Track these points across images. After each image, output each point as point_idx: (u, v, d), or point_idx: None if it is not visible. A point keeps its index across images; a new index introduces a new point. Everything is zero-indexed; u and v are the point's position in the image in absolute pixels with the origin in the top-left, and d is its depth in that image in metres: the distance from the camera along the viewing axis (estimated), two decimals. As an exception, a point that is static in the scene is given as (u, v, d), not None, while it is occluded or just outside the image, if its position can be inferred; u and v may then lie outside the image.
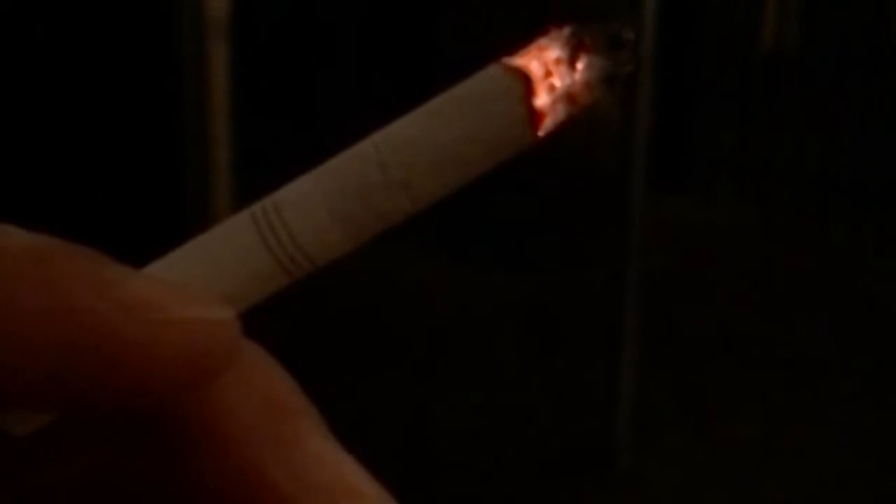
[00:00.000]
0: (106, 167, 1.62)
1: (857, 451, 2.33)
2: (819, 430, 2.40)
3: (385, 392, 2.51)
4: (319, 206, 0.22)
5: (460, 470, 2.25)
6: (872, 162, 3.86)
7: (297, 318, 2.44)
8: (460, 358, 2.68)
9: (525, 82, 0.21)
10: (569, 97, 0.21)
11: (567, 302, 2.92)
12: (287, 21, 3.98)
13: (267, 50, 3.67)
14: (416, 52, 3.60)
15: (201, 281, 0.22)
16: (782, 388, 2.57)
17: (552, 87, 0.20)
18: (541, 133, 0.21)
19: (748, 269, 3.25)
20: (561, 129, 0.21)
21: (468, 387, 2.55)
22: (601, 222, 2.79)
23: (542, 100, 0.21)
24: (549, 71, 0.20)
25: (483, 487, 2.23)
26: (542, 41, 0.21)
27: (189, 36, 1.43)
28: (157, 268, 0.22)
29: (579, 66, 0.20)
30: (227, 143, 1.40)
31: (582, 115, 0.21)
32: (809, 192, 3.76)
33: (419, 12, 3.60)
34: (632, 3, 2.18)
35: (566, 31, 0.21)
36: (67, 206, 1.60)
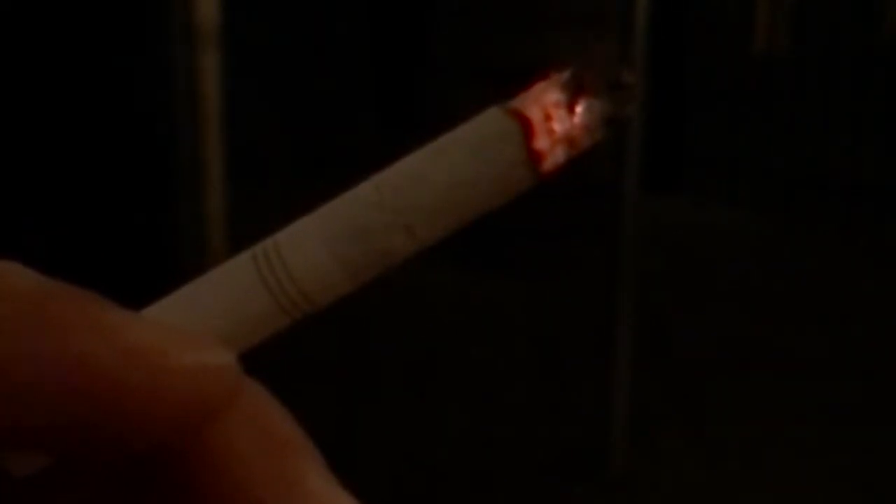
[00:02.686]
0: (97, 178, 1.61)
1: (852, 454, 2.33)
2: (814, 433, 2.40)
3: (377, 397, 2.51)
4: (320, 247, 0.22)
5: (455, 473, 2.25)
6: (865, 163, 3.86)
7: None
8: (453, 362, 2.68)
9: (524, 126, 0.21)
10: (568, 140, 0.21)
11: (561, 305, 2.93)
12: (279, 29, 3.98)
13: (259, 58, 3.66)
14: (411, 60, 3.60)
15: (202, 323, 0.22)
16: (776, 392, 2.57)
17: (551, 131, 0.21)
18: (540, 176, 0.21)
19: (741, 271, 3.26)
20: (560, 171, 0.21)
21: (462, 390, 2.55)
22: (594, 225, 2.79)
23: (541, 143, 0.21)
24: (549, 114, 0.21)
25: (477, 491, 2.23)
26: (542, 85, 0.21)
27: (179, 45, 1.43)
28: (157, 309, 0.22)
29: (578, 109, 0.21)
30: (219, 153, 1.40)
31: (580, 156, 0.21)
32: (803, 194, 3.77)
33: (414, 19, 3.60)
34: (624, 5, 2.18)
35: (565, 74, 0.21)
36: (56, 216, 1.59)
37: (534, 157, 0.21)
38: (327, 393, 2.48)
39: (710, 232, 3.55)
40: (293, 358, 2.10)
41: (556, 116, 0.21)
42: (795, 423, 2.44)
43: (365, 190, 0.22)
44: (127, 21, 1.61)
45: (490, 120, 0.21)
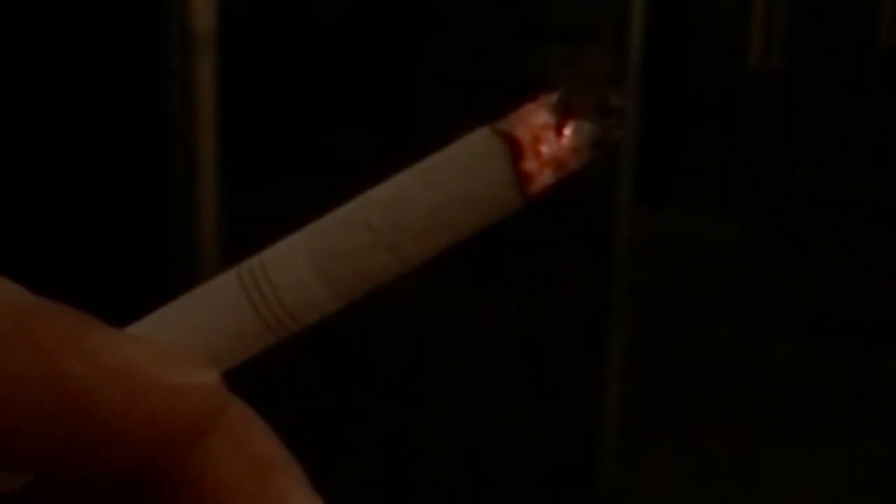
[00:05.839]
0: (89, 186, 1.61)
1: (842, 467, 2.33)
2: (803, 446, 2.40)
3: (365, 408, 2.51)
4: (306, 266, 0.22)
5: (444, 488, 2.25)
6: (858, 178, 3.87)
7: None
8: (444, 375, 2.67)
9: (513, 148, 0.21)
10: (556, 162, 0.21)
11: (552, 318, 2.93)
12: (275, 34, 3.98)
13: (255, 63, 3.66)
14: (409, 70, 3.60)
15: (187, 340, 0.22)
16: (767, 405, 2.57)
17: (539, 153, 0.21)
18: (527, 197, 0.21)
19: (733, 284, 3.26)
20: (548, 192, 0.21)
21: (452, 404, 2.54)
22: (586, 237, 2.79)
23: (529, 165, 0.21)
24: (537, 136, 0.21)
25: None
26: (530, 106, 0.21)
27: (175, 49, 1.43)
28: (142, 327, 0.22)
29: (566, 131, 0.21)
30: (213, 158, 1.40)
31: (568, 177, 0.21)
32: (795, 208, 3.77)
33: (412, 30, 3.61)
34: (619, 19, 2.18)
35: (554, 96, 0.21)
36: (49, 225, 1.59)
37: (521, 178, 0.21)
38: (318, 403, 2.47)
39: (702, 245, 3.55)
40: (285, 369, 2.10)
41: (545, 138, 0.21)
42: (786, 436, 2.44)
43: (352, 209, 0.22)
44: (121, 26, 1.61)
45: (478, 141, 0.21)
